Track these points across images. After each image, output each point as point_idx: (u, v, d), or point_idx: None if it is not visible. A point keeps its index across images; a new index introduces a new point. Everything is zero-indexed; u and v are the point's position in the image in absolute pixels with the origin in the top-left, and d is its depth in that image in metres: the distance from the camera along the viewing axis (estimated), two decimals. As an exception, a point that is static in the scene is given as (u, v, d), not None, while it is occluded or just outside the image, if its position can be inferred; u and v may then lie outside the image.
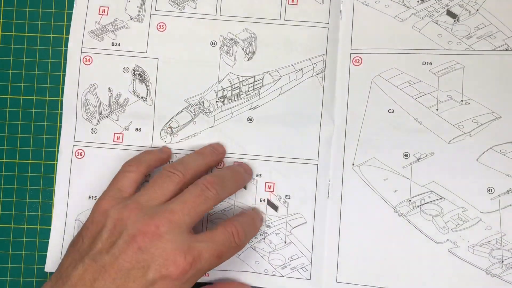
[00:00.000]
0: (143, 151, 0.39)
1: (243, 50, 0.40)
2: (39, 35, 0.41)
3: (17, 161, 0.40)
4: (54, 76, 0.40)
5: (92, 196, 0.39)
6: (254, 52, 0.40)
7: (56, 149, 0.40)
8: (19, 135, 0.40)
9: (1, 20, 0.41)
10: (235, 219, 0.36)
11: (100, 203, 0.34)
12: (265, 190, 0.39)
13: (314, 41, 0.40)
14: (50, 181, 0.40)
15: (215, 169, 0.39)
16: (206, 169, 0.38)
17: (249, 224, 0.36)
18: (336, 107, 0.39)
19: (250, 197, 0.39)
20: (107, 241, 0.32)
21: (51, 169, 0.40)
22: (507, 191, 0.37)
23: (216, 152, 0.39)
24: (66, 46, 0.40)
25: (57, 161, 0.40)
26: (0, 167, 0.40)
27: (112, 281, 0.30)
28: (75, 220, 0.39)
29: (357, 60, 0.39)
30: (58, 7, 0.41)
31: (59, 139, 0.40)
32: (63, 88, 0.40)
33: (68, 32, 0.40)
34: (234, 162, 0.39)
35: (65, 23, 0.41)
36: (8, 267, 0.40)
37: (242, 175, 0.38)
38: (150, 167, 0.37)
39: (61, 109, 0.40)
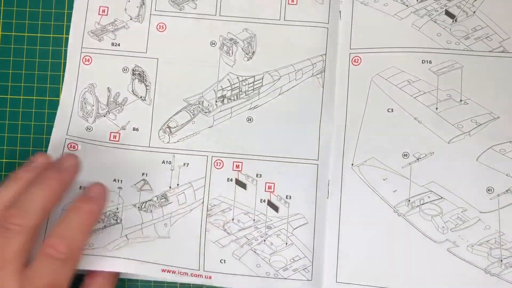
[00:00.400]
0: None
1: (242, 50, 0.40)
2: (39, 35, 0.41)
3: (17, 161, 0.40)
4: (54, 76, 0.40)
5: (83, 187, 0.38)
6: (253, 52, 0.40)
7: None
8: (19, 135, 0.40)
9: (1, 20, 0.41)
10: (50, 233, 0.31)
11: None
12: (265, 191, 0.39)
13: (313, 41, 0.40)
14: (50, 181, 0.40)
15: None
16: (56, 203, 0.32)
17: (71, 224, 0.32)
18: (335, 107, 0.39)
19: (251, 197, 0.39)
20: None
21: (51, 169, 0.40)
22: (507, 190, 0.37)
23: (61, 174, 0.33)
24: (66, 46, 0.40)
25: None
26: (0, 167, 0.40)
27: None
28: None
29: (357, 60, 0.39)
30: (58, 7, 0.41)
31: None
32: (63, 91, 0.40)
33: (68, 32, 0.40)
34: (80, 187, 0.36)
35: (65, 23, 0.41)
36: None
37: (57, 180, 0.32)
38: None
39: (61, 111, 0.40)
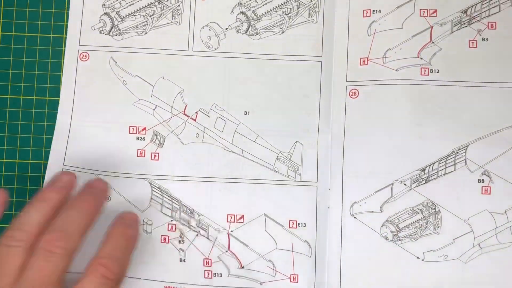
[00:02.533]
0: None
1: None
2: (39, 35, 0.41)
3: (17, 161, 0.40)
4: (54, 76, 0.40)
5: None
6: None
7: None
8: (19, 135, 0.40)
9: (1, 20, 0.41)
10: (100, 253, 0.31)
11: None
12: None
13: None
14: (50, 181, 0.40)
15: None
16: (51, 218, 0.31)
17: (119, 246, 0.32)
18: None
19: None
20: None
21: (51, 169, 0.40)
22: None
23: (57, 190, 0.32)
24: (66, 46, 0.40)
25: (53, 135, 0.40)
26: (0, 167, 0.40)
27: None
28: None
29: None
30: (58, 7, 0.41)
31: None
32: (62, 90, 0.40)
33: (68, 32, 0.40)
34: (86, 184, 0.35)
35: (65, 23, 0.41)
36: (8, 267, 0.40)
37: (93, 203, 0.32)
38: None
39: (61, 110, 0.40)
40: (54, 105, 0.40)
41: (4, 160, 0.40)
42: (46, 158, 0.40)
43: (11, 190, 0.40)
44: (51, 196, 0.32)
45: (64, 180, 0.33)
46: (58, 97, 0.40)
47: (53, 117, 0.40)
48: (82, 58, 0.40)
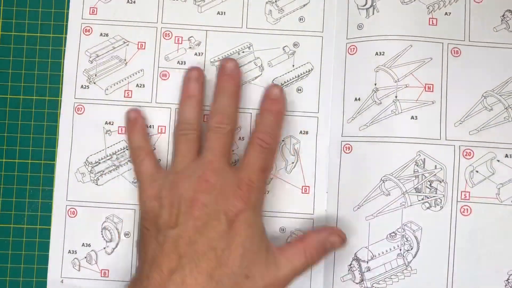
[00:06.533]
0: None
1: None
2: (39, 35, 0.41)
3: (16, 161, 0.40)
4: (54, 76, 0.40)
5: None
6: None
7: (56, 150, 0.40)
8: (18, 135, 0.40)
9: (0, 20, 0.41)
10: (256, 129, 0.38)
11: (146, 192, 0.36)
12: None
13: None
14: (50, 181, 0.40)
15: None
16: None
17: (269, 122, 0.38)
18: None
19: None
20: (170, 219, 0.34)
21: (51, 169, 0.40)
22: None
23: (234, 81, 0.39)
24: (66, 46, 0.40)
25: (58, 122, 0.40)
26: (0, 167, 0.40)
27: (190, 244, 0.33)
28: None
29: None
30: (58, 7, 0.41)
31: (58, 138, 0.40)
32: (63, 89, 0.40)
33: (67, 32, 0.40)
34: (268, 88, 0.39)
35: (65, 23, 0.41)
36: (8, 267, 0.40)
37: (282, 110, 0.39)
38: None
39: (61, 109, 0.40)
40: (54, 105, 0.40)
41: (4, 160, 0.40)
42: (46, 158, 0.40)
43: (11, 190, 0.40)
44: (194, 91, 0.39)
45: (195, 76, 0.39)
46: (58, 97, 0.40)
47: (53, 117, 0.40)
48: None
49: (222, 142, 0.36)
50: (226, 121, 0.37)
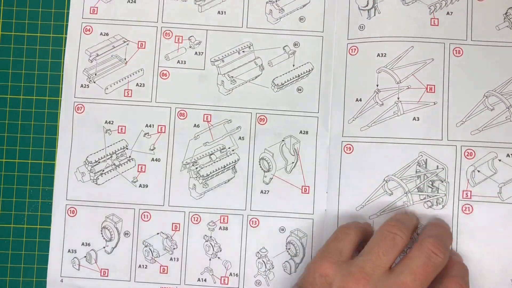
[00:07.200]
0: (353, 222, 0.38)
1: None
2: (39, 35, 0.41)
3: (16, 160, 0.40)
4: (54, 76, 0.40)
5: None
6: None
7: (56, 149, 0.40)
8: (18, 135, 0.40)
9: (1, 20, 0.41)
10: (427, 234, 0.35)
11: (320, 264, 0.34)
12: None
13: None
14: (50, 181, 0.40)
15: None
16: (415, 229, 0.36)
17: (443, 232, 0.35)
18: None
19: None
20: None
21: (51, 169, 0.40)
22: None
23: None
24: (66, 45, 0.40)
25: (58, 122, 0.40)
26: (0, 167, 0.40)
27: None
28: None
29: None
30: (58, 7, 0.41)
31: (58, 139, 0.40)
32: (63, 88, 0.40)
33: (67, 32, 0.40)
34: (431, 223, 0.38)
35: (65, 23, 0.41)
36: (8, 267, 0.40)
37: (448, 229, 0.37)
38: (365, 232, 0.36)
39: (61, 109, 0.40)
40: (54, 104, 0.40)
41: (4, 160, 0.40)
42: (46, 158, 0.40)
43: (11, 190, 0.40)
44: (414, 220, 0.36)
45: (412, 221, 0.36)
46: (58, 97, 0.40)
47: (53, 117, 0.40)
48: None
49: (428, 272, 0.32)
50: (442, 251, 0.33)
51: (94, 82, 0.40)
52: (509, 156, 0.38)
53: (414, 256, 0.33)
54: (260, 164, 0.39)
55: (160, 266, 0.39)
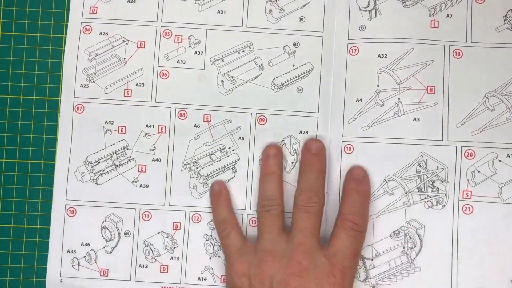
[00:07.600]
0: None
1: None
2: (39, 35, 0.41)
3: (16, 160, 0.40)
4: (54, 75, 0.40)
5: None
6: None
7: (56, 149, 0.40)
8: (18, 134, 0.40)
9: (0, 20, 0.41)
10: (343, 211, 0.36)
11: (234, 267, 0.36)
12: None
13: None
14: (49, 181, 0.40)
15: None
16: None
17: (360, 202, 0.37)
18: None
19: None
20: None
21: (51, 169, 0.40)
22: None
23: (320, 159, 0.38)
24: (65, 45, 0.40)
25: (58, 121, 0.40)
26: (0, 167, 0.40)
27: None
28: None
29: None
30: (58, 7, 0.41)
31: (58, 139, 0.40)
32: (62, 88, 0.40)
33: (67, 32, 0.40)
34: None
35: (65, 23, 0.41)
36: (8, 267, 0.40)
37: (368, 191, 0.38)
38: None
39: (61, 109, 0.40)
40: (54, 104, 0.40)
41: (4, 160, 0.40)
42: (46, 158, 0.40)
43: (11, 190, 0.40)
44: (274, 168, 0.38)
45: (274, 153, 0.39)
46: (58, 97, 0.40)
47: (53, 117, 0.40)
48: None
49: (312, 221, 0.36)
50: (315, 199, 0.36)
51: (94, 82, 0.40)
52: (509, 156, 0.38)
53: (298, 219, 0.36)
54: (260, 164, 0.39)
55: (161, 266, 0.39)
